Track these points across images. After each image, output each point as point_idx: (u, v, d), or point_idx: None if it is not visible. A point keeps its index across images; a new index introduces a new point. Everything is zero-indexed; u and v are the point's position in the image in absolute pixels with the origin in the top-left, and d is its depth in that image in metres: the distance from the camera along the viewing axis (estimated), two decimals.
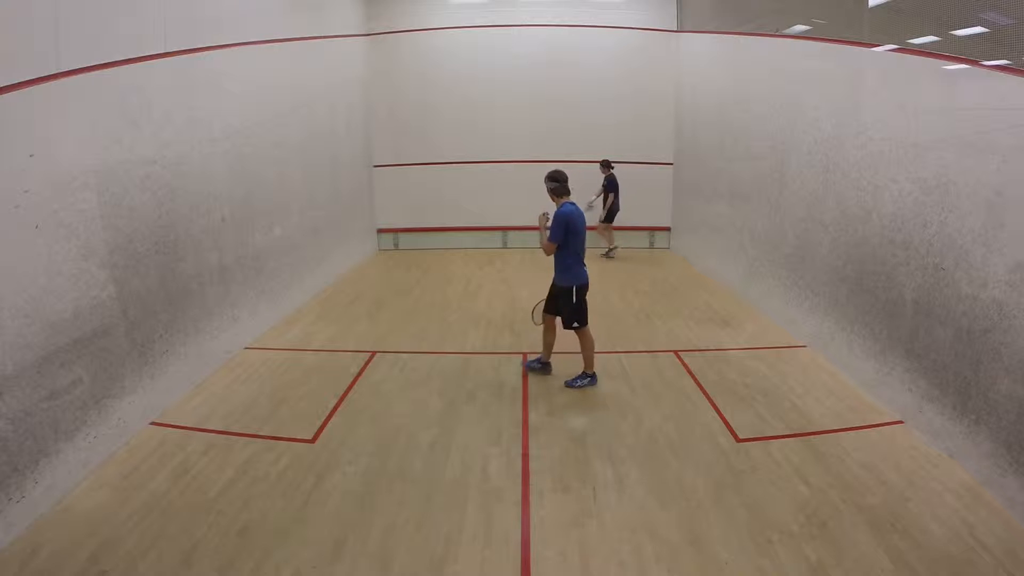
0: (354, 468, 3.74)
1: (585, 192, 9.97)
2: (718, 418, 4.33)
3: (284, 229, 6.76)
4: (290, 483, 3.57)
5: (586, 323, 4.83)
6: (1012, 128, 3.41)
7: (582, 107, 10.01)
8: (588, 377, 4.87)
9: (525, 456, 3.86)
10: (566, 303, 4.75)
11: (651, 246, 10.59)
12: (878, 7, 4.87)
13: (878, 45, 4.73)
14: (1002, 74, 3.56)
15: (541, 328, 5.08)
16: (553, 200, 4.73)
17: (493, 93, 10.05)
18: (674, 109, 9.98)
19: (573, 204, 4.69)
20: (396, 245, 10.63)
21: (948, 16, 4.02)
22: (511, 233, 10.37)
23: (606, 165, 9.49)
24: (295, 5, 7.19)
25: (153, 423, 4.26)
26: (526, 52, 9.94)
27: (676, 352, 5.59)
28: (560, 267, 4.73)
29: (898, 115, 4.42)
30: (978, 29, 3.83)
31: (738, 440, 4.03)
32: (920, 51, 4.25)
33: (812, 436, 4.05)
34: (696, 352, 5.59)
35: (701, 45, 8.99)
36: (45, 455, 3.35)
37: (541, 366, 5.11)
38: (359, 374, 5.16)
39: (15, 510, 3.11)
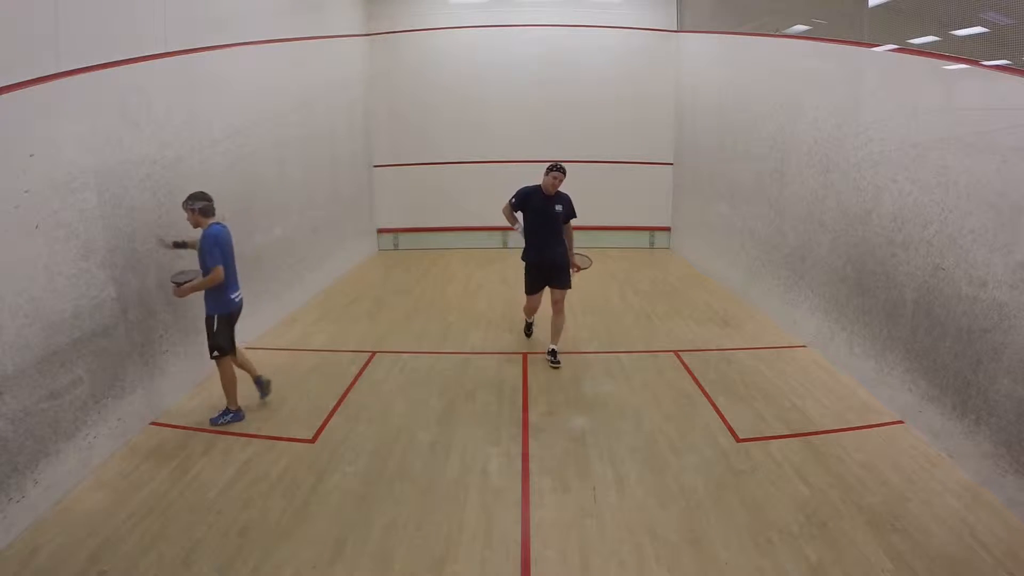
0: (354, 468, 3.74)
1: (588, 194, 9.99)
2: (718, 418, 4.33)
3: (284, 229, 6.75)
4: (290, 483, 3.57)
5: (232, 352, 4.29)
6: (1012, 128, 3.41)
7: (582, 107, 10.00)
8: (230, 413, 4.30)
9: (525, 456, 3.86)
10: (209, 330, 4.20)
11: (651, 246, 10.59)
12: (878, 7, 4.87)
13: (878, 45, 4.73)
14: (1002, 74, 3.56)
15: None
16: (199, 222, 4.13)
17: (493, 93, 10.04)
18: (674, 109, 9.98)
19: (220, 224, 4.17)
20: (396, 245, 10.63)
21: (948, 16, 4.02)
22: (511, 233, 10.34)
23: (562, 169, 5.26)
24: (295, 5, 7.19)
25: (153, 423, 4.26)
26: (526, 52, 9.93)
27: (676, 352, 5.59)
28: (209, 292, 4.15)
29: (898, 115, 4.42)
30: (978, 29, 3.83)
31: (738, 440, 4.03)
32: (920, 51, 4.25)
33: (812, 436, 4.06)
34: (696, 352, 5.59)
35: (701, 45, 8.99)
36: (45, 455, 3.35)
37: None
38: (359, 374, 5.16)
39: (15, 510, 3.11)
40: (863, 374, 4.78)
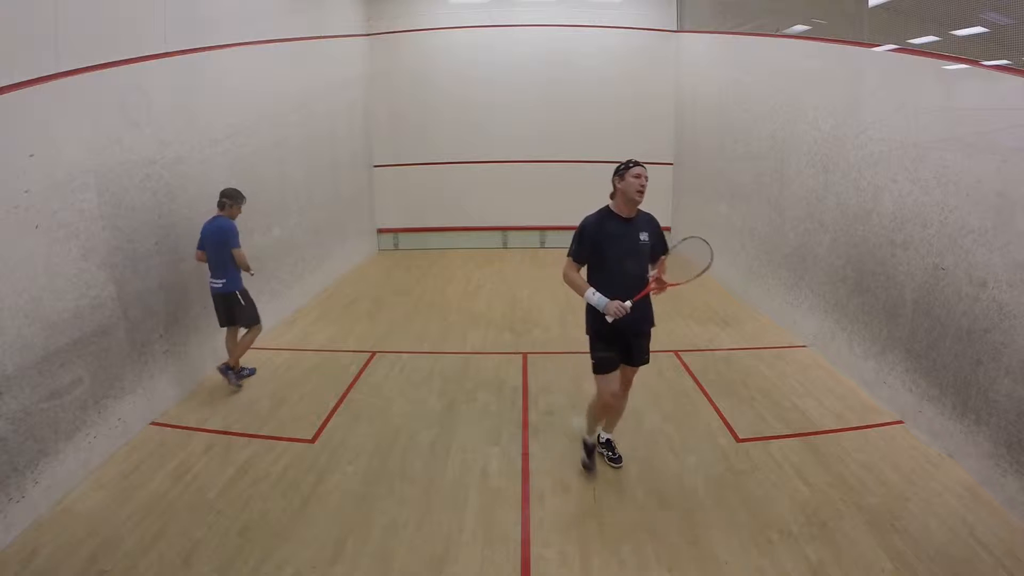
0: (354, 468, 3.74)
1: (587, 194, 9.99)
2: (718, 418, 4.33)
3: (284, 229, 6.75)
4: (290, 483, 3.57)
5: (227, 326, 4.89)
6: (1012, 128, 3.40)
7: (582, 107, 10.00)
8: (245, 370, 4.95)
9: (525, 456, 3.86)
10: (239, 305, 4.78)
11: None
12: (878, 7, 4.87)
13: (878, 45, 4.73)
14: (1002, 74, 3.56)
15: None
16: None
17: (493, 93, 10.05)
18: (674, 109, 9.98)
19: (213, 218, 4.66)
20: (396, 245, 10.63)
21: (948, 16, 4.02)
22: (511, 233, 10.35)
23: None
24: (295, 5, 7.19)
25: (153, 423, 4.26)
26: (526, 52, 9.94)
27: (676, 352, 5.59)
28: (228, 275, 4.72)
29: (898, 115, 4.41)
30: (978, 29, 3.83)
31: (738, 440, 4.03)
32: (920, 51, 4.25)
33: (812, 436, 4.05)
34: (696, 352, 5.59)
35: (701, 45, 8.99)
36: (45, 455, 3.35)
37: (239, 375, 4.89)
38: (359, 374, 5.16)
39: (15, 510, 3.11)
40: (863, 374, 4.78)
